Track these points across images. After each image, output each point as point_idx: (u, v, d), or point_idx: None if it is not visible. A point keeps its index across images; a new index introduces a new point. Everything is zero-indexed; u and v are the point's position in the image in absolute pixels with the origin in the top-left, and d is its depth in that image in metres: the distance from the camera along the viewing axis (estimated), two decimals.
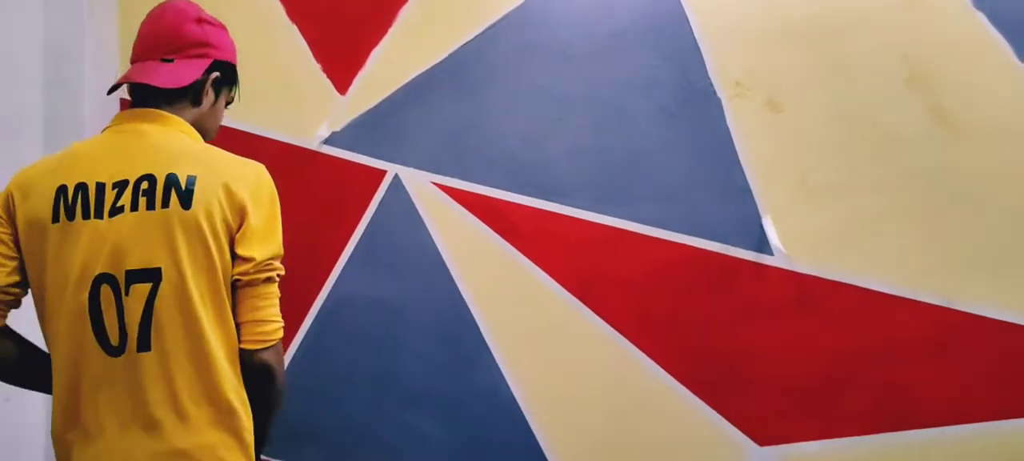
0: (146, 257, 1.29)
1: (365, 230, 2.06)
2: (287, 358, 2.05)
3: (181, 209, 1.31)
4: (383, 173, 2.06)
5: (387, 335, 2.02)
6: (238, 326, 1.33)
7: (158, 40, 1.46)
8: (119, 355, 1.27)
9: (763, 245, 1.88)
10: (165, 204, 1.31)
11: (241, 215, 1.34)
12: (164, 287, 1.28)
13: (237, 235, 1.33)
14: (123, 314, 1.27)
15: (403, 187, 2.05)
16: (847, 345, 1.83)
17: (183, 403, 1.26)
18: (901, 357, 1.81)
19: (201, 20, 1.50)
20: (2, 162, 1.89)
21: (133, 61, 1.45)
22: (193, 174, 1.34)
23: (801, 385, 1.85)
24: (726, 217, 1.90)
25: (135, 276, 1.29)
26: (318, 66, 2.11)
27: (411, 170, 2.05)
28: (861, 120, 1.86)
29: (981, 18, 1.83)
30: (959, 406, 1.78)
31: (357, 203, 2.06)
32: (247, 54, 2.12)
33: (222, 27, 1.55)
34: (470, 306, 2.00)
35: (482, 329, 1.99)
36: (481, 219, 2.00)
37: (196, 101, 1.45)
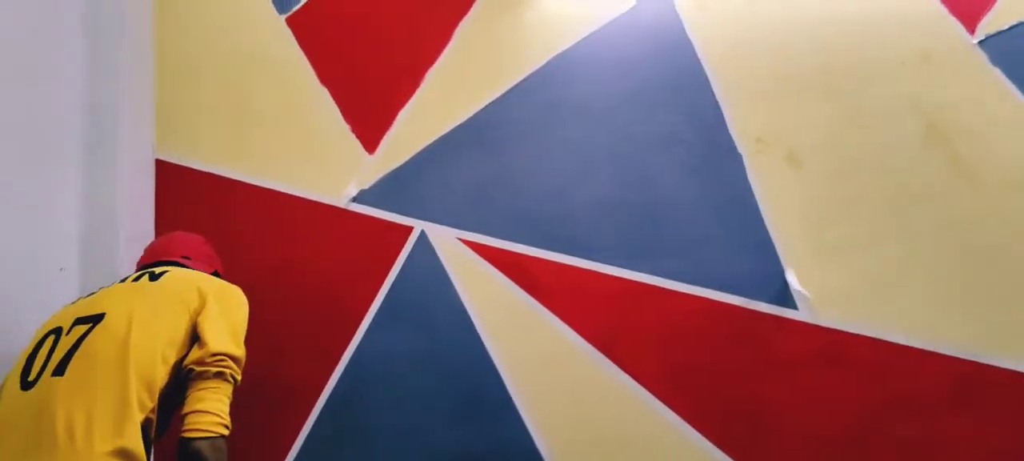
0: (98, 308, 1.47)
1: (392, 285, 2.09)
2: (316, 410, 2.07)
3: (148, 282, 1.53)
4: (410, 229, 2.10)
5: (413, 389, 2.04)
6: (182, 417, 1.36)
7: (174, 247, 1.75)
8: (31, 388, 1.37)
9: (785, 298, 1.90)
10: (136, 280, 1.54)
11: (202, 301, 1.48)
12: (103, 327, 1.41)
13: (198, 319, 1.45)
14: (52, 351, 1.41)
15: (429, 243, 2.09)
16: (871, 397, 1.83)
17: (83, 429, 1.30)
18: (925, 410, 1.81)
19: (205, 241, 1.82)
20: (37, 207, 1.95)
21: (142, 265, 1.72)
22: (169, 271, 1.56)
23: (826, 438, 1.84)
24: (748, 271, 1.92)
25: (80, 320, 1.45)
26: (347, 127, 2.17)
27: (437, 226, 2.09)
28: (880, 173, 1.89)
29: (996, 72, 1.87)
30: (985, 459, 1.77)
31: (384, 259, 2.10)
32: (280, 116, 2.20)
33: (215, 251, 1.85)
34: (495, 360, 2.02)
35: (507, 383, 2.01)
36: (506, 274, 2.03)
37: None
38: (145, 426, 1.34)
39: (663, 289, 1.95)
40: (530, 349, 2.00)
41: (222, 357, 1.40)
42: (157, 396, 1.36)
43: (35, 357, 1.42)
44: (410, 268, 2.09)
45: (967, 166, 1.86)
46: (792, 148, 1.94)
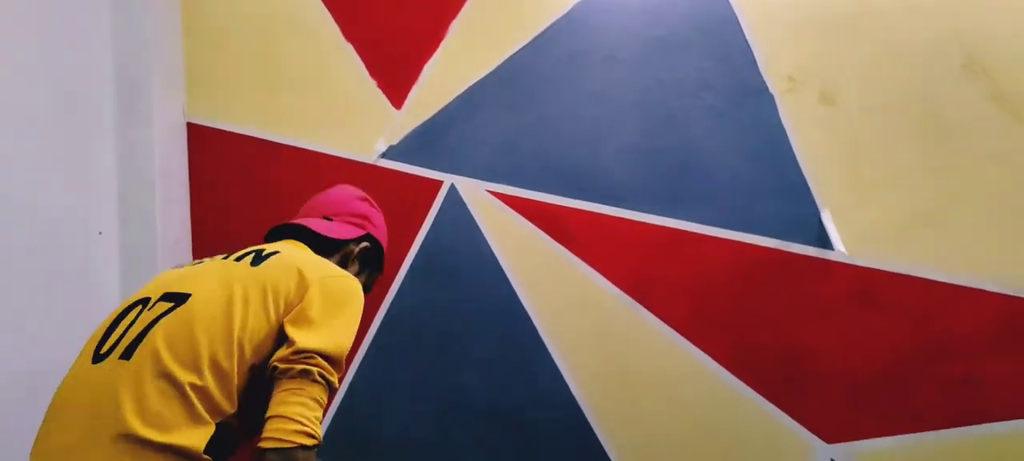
0: (188, 287, 1.32)
1: (424, 240, 2.10)
2: (355, 364, 2.10)
3: (249, 265, 1.35)
4: (440, 183, 2.10)
5: (447, 342, 2.06)
6: (264, 421, 1.20)
7: (322, 204, 1.63)
8: (101, 361, 1.24)
9: (822, 240, 1.87)
10: (238, 261, 1.38)
11: (301, 294, 1.30)
12: (184, 310, 1.26)
13: (292, 314, 1.28)
14: (131, 326, 1.27)
15: (459, 196, 2.09)
16: (912, 339, 1.80)
17: (140, 422, 1.16)
18: (968, 349, 1.78)
19: (365, 199, 1.68)
20: (73, 172, 1.98)
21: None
22: (278, 252, 1.39)
23: (867, 381, 1.82)
24: (783, 214, 1.89)
25: (167, 296, 1.30)
26: (374, 83, 2.17)
27: (467, 179, 2.09)
28: (917, 108, 1.84)
29: None
30: None
31: (415, 214, 2.11)
32: (306, 75, 2.21)
33: (380, 212, 1.70)
34: (529, 311, 2.02)
35: (541, 334, 2.01)
36: (537, 225, 2.03)
37: (341, 261, 1.55)
38: (221, 426, 1.22)
39: (696, 235, 1.93)
40: (562, 298, 2.00)
41: (309, 354, 1.23)
42: (235, 396, 1.23)
43: (115, 327, 1.30)
44: (441, 222, 2.09)
45: (1007, 98, 1.80)
46: (825, 86, 1.90)
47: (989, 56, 1.82)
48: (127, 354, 1.23)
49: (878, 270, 1.83)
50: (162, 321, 1.26)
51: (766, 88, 1.93)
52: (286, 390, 1.20)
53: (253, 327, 1.26)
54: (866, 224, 1.84)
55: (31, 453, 1.22)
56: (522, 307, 2.02)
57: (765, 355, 1.88)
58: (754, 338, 1.89)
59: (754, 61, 1.94)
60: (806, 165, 1.89)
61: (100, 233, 2.06)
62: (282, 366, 1.22)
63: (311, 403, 1.20)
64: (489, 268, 2.05)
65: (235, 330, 1.24)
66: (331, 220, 1.58)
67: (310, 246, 1.51)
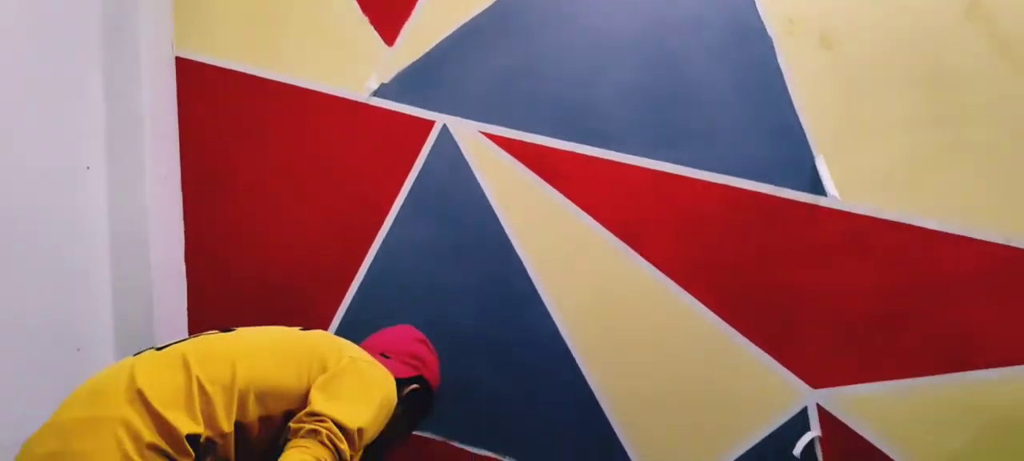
0: (237, 329, 1.43)
1: (415, 180, 2.09)
2: (343, 304, 2.10)
3: (299, 330, 1.45)
4: (432, 124, 2.08)
5: (438, 282, 2.06)
6: None
7: (382, 341, 1.68)
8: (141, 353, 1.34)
9: (816, 186, 1.85)
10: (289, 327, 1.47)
11: (332, 366, 1.35)
12: (224, 337, 1.37)
13: (320, 379, 1.32)
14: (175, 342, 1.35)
15: (452, 137, 2.06)
16: (902, 285, 1.80)
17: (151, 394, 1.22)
18: (958, 297, 1.77)
19: (423, 341, 1.73)
20: (60, 107, 1.95)
21: None
22: (323, 332, 1.51)
23: (855, 326, 1.82)
24: (777, 157, 1.87)
25: (217, 328, 1.43)
26: (365, 18, 2.13)
27: (459, 120, 2.06)
28: (917, 54, 1.81)
29: None
30: (1020, 346, 1.74)
31: (407, 154, 2.09)
32: (297, 9, 2.16)
33: (435, 356, 1.74)
34: (519, 253, 2.02)
35: (531, 276, 2.01)
36: (529, 167, 2.01)
37: None
38: (207, 443, 1.24)
39: (688, 178, 1.92)
40: (554, 240, 1.99)
41: (322, 417, 1.25)
42: (232, 421, 1.26)
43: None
44: (433, 162, 2.08)
45: (1010, 46, 1.77)
46: (825, 29, 1.86)
47: (993, 2, 1.78)
48: (161, 348, 1.32)
49: (871, 217, 1.82)
50: (203, 336, 1.36)
51: (764, 30, 1.89)
52: (293, 447, 1.22)
53: (282, 379, 1.30)
54: (860, 170, 1.82)
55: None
56: (512, 248, 2.02)
57: (753, 299, 1.88)
58: (743, 282, 1.89)
59: (753, 2, 1.90)
60: (802, 109, 1.86)
61: (88, 168, 2.04)
62: (294, 425, 1.25)
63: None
64: (480, 209, 2.04)
65: (265, 372, 1.30)
66: (388, 358, 1.61)
67: None
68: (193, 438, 1.20)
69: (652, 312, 1.93)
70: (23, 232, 1.82)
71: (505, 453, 2.03)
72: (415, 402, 1.63)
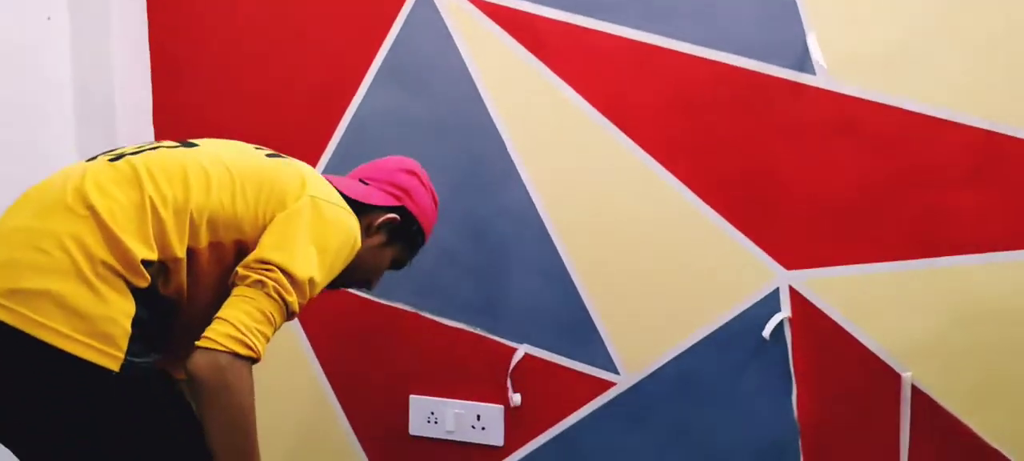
0: (201, 142, 1.33)
1: (392, 45, 2.02)
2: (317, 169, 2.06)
3: (264, 155, 1.35)
4: None
5: (414, 152, 1.98)
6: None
7: (365, 169, 1.55)
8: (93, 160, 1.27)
9: (804, 64, 1.80)
10: (257, 149, 1.38)
11: (289, 204, 1.26)
12: (187, 151, 1.27)
13: (276, 219, 1.24)
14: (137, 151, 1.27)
15: (432, 1, 1.98)
16: (885, 167, 1.77)
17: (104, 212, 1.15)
18: (939, 181, 1.75)
19: (412, 173, 1.56)
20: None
21: None
22: (296, 166, 1.36)
23: (835, 207, 1.81)
24: (767, 34, 1.81)
25: (181, 142, 1.32)
26: None
27: None
28: None
29: None
30: (999, 233, 1.73)
31: (383, 16, 2.01)
32: None
33: (432, 196, 1.59)
34: (498, 125, 1.97)
35: (509, 148, 1.97)
36: (511, 35, 1.94)
37: (364, 228, 1.41)
38: (159, 266, 1.18)
39: (676, 52, 1.86)
40: (534, 113, 1.95)
41: (271, 266, 1.18)
42: (185, 248, 1.19)
43: (117, 150, 1.29)
44: (411, 26, 2.00)
45: None
46: None
47: None
48: (115, 159, 1.22)
49: (856, 97, 1.78)
50: (160, 150, 1.25)
51: None
52: (236, 296, 1.17)
53: (236, 207, 1.23)
54: (851, 50, 1.77)
55: None
56: (491, 119, 1.97)
57: (732, 178, 1.86)
58: (723, 161, 1.86)
59: None
60: None
61: (49, 18, 1.95)
62: (242, 271, 1.18)
63: (257, 314, 1.15)
64: (460, 78, 1.98)
65: (219, 197, 1.22)
66: (367, 184, 1.51)
67: None
68: (147, 263, 1.15)
69: (629, 189, 1.91)
70: None
71: (477, 326, 2.03)
72: (397, 235, 1.52)
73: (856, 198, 1.80)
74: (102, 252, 1.11)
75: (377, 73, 2.03)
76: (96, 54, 1.99)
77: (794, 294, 1.85)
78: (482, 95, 1.97)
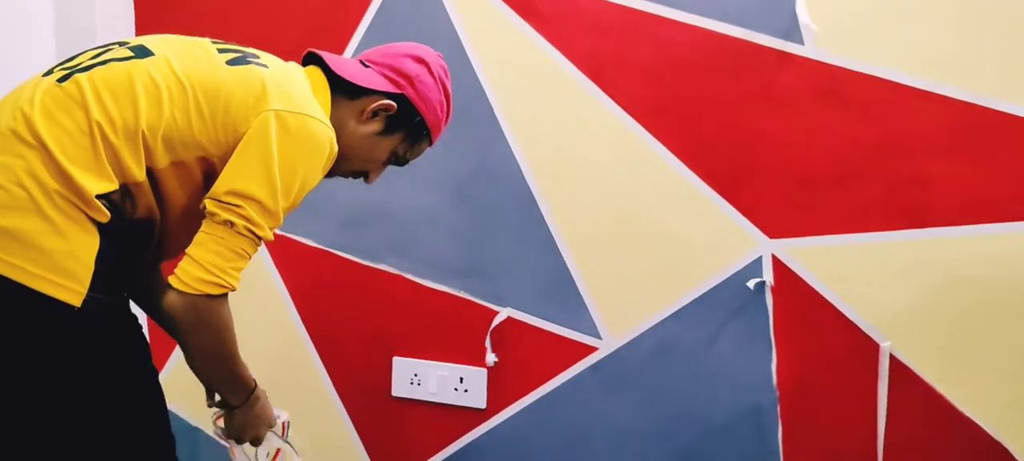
0: (153, 47, 1.21)
1: (379, 6, 2.00)
2: None
3: (224, 62, 1.22)
4: None
5: None
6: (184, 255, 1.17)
7: (376, 51, 1.41)
8: (47, 75, 1.18)
9: (791, 32, 1.80)
10: (220, 52, 1.24)
11: (255, 115, 1.17)
12: (138, 63, 1.17)
13: (241, 142, 1.17)
14: (95, 58, 1.19)
15: None
16: (867, 136, 1.78)
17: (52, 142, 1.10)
18: (920, 151, 1.76)
19: (422, 61, 1.40)
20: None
21: None
22: (267, 66, 1.24)
23: (816, 176, 1.82)
24: (755, 2, 1.81)
25: (134, 48, 1.21)
26: None
27: None
28: None
29: None
30: (978, 205, 1.75)
31: None
32: None
33: (442, 90, 1.42)
34: (484, 86, 1.97)
35: (496, 110, 1.97)
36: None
37: (357, 112, 1.34)
38: (122, 191, 1.14)
39: (661, 17, 1.86)
40: (520, 74, 1.94)
41: (240, 201, 1.14)
42: (143, 168, 1.14)
43: (81, 55, 1.22)
44: None
45: None
46: None
47: None
48: (63, 79, 1.15)
49: (842, 67, 1.78)
50: (110, 64, 1.17)
51: None
52: (207, 234, 1.15)
53: (191, 125, 1.16)
54: (839, 19, 1.77)
55: None
56: (479, 81, 1.97)
57: (717, 146, 1.86)
58: (707, 128, 1.86)
59: None
60: None
61: None
62: (210, 207, 1.15)
63: (227, 253, 1.14)
64: (447, 40, 1.97)
65: (172, 115, 1.15)
66: (368, 66, 1.38)
67: (332, 87, 1.33)
68: (103, 196, 1.11)
69: (614, 153, 1.91)
70: None
71: (461, 289, 2.04)
72: (396, 124, 1.38)
73: (839, 169, 1.81)
74: (57, 185, 1.07)
75: (364, 35, 2.02)
76: None
77: (777, 262, 1.87)
78: (469, 56, 1.97)
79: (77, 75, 1.15)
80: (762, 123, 1.83)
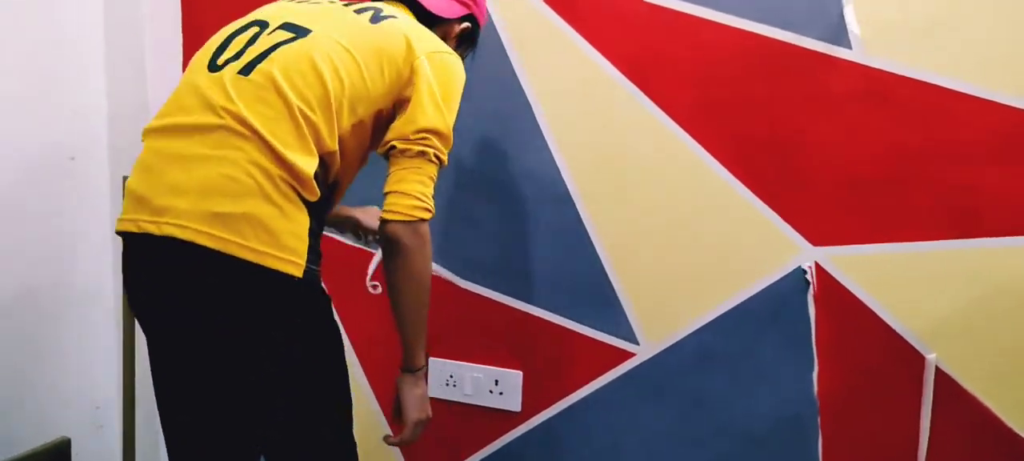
0: (310, 23, 1.35)
1: None
2: None
3: (368, 21, 1.39)
4: None
5: None
6: (383, 195, 1.34)
7: None
8: (217, 71, 1.30)
9: (838, 36, 1.77)
10: (358, 13, 1.40)
11: (411, 66, 1.35)
12: (307, 43, 1.31)
13: (407, 88, 1.35)
14: (249, 45, 1.32)
15: None
16: (914, 142, 1.74)
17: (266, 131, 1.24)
18: (969, 158, 1.72)
19: None
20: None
21: None
22: (395, 19, 1.41)
23: (862, 181, 1.78)
24: (802, 3, 1.79)
25: (287, 26, 1.35)
26: None
27: None
28: None
29: None
30: None
31: None
32: None
33: None
34: (525, 88, 1.96)
35: (536, 112, 1.96)
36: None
37: (442, 38, 1.49)
38: (320, 165, 1.30)
39: (705, 20, 1.84)
40: (561, 77, 1.93)
41: (426, 135, 1.33)
42: (336, 138, 1.31)
43: (230, 42, 1.35)
44: None
45: None
46: None
47: None
48: (246, 71, 1.28)
49: (889, 72, 1.75)
50: (281, 48, 1.30)
51: None
52: (405, 168, 1.33)
53: (368, 84, 1.32)
54: (888, 22, 1.74)
55: (144, 131, 1.33)
56: (519, 82, 1.96)
57: (761, 151, 1.84)
58: (751, 132, 1.83)
59: None
60: None
61: None
62: (401, 145, 1.32)
63: (427, 181, 1.33)
64: (489, 42, 1.96)
65: (352, 80, 1.31)
66: None
67: (414, 14, 1.51)
68: (315, 175, 1.27)
69: (655, 157, 1.89)
70: None
71: (496, 289, 2.03)
72: (464, 41, 1.63)
73: (885, 175, 1.77)
74: (280, 171, 1.23)
75: None
76: None
77: (819, 270, 1.83)
78: (510, 57, 1.97)
79: (259, 66, 1.28)
80: (807, 127, 1.81)
